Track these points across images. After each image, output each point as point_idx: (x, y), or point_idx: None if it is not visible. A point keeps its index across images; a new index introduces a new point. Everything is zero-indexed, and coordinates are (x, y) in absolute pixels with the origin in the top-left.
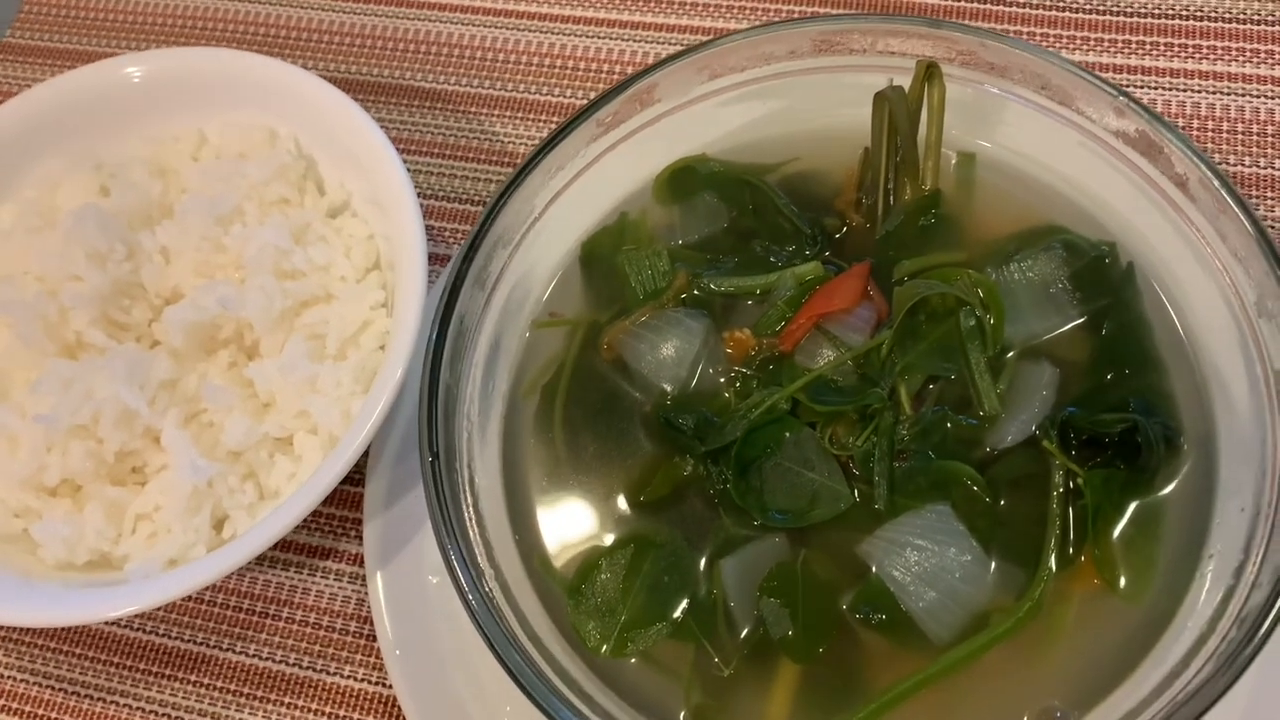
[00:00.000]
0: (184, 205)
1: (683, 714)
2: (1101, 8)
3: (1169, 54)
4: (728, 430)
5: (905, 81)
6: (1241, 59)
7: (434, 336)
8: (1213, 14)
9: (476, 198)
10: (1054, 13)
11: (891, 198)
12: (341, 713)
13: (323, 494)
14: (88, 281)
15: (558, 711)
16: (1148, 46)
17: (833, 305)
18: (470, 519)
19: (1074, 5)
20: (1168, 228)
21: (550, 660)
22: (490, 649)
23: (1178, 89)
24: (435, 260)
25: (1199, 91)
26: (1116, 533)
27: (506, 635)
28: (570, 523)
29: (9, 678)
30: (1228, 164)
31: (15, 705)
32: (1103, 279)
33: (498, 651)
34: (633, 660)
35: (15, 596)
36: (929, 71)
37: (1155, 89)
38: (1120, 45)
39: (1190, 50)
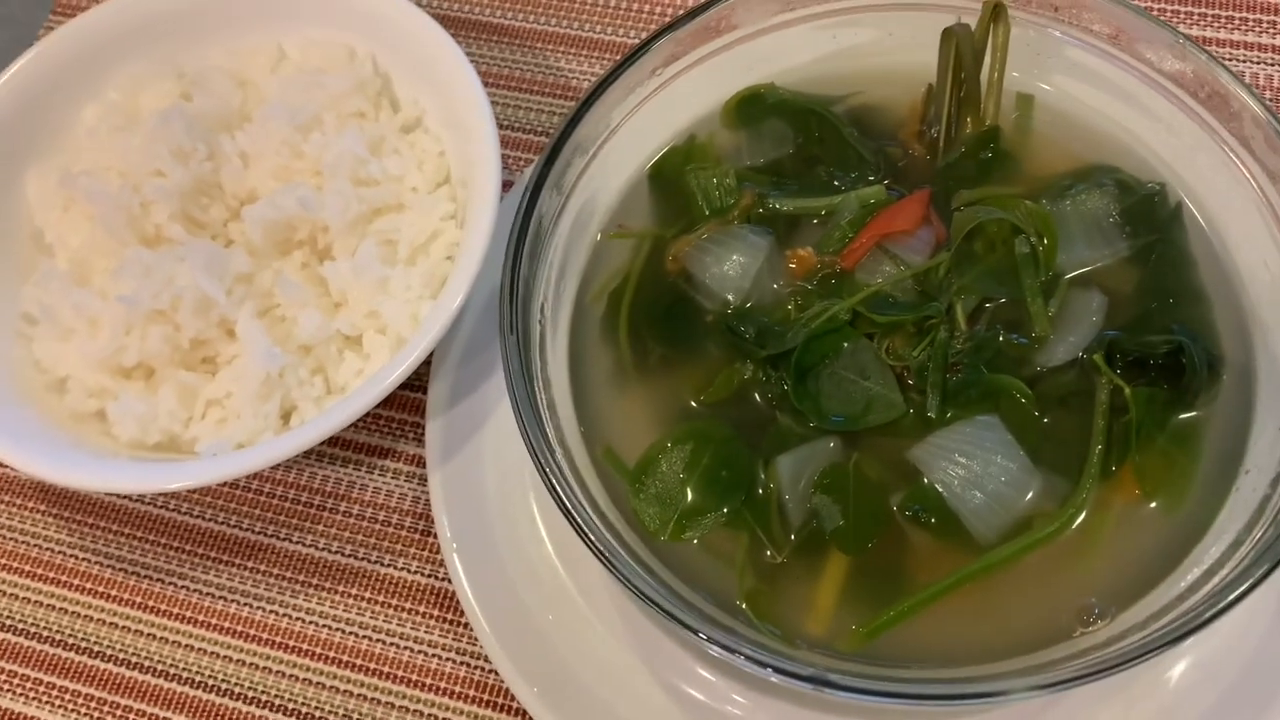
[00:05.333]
0: (264, 112)
1: (737, 597)
2: None
3: (1247, 28)
4: (789, 337)
5: (973, 22)
6: None
7: (517, 229)
8: None
9: (539, 128)
10: None
11: (953, 131)
12: (395, 602)
13: (392, 386)
14: (170, 177)
15: (629, 573)
16: (1237, 21)
17: (895, 225)
18: (542, 401)
19: None
20: (1220, 169)
21: (615, 534)
22: (563, 513)
23: (1264, 62)
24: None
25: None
26: (1157, 447)
27: (576, 504)
28: (632, 419)
29: (72, 556)
30: None
31: (76, 582)
32: (1152, 216)
33: (571, 516)
34: (693, 543)
35: (88, 467)
36: (995, 11)
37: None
38: (1204, 19)
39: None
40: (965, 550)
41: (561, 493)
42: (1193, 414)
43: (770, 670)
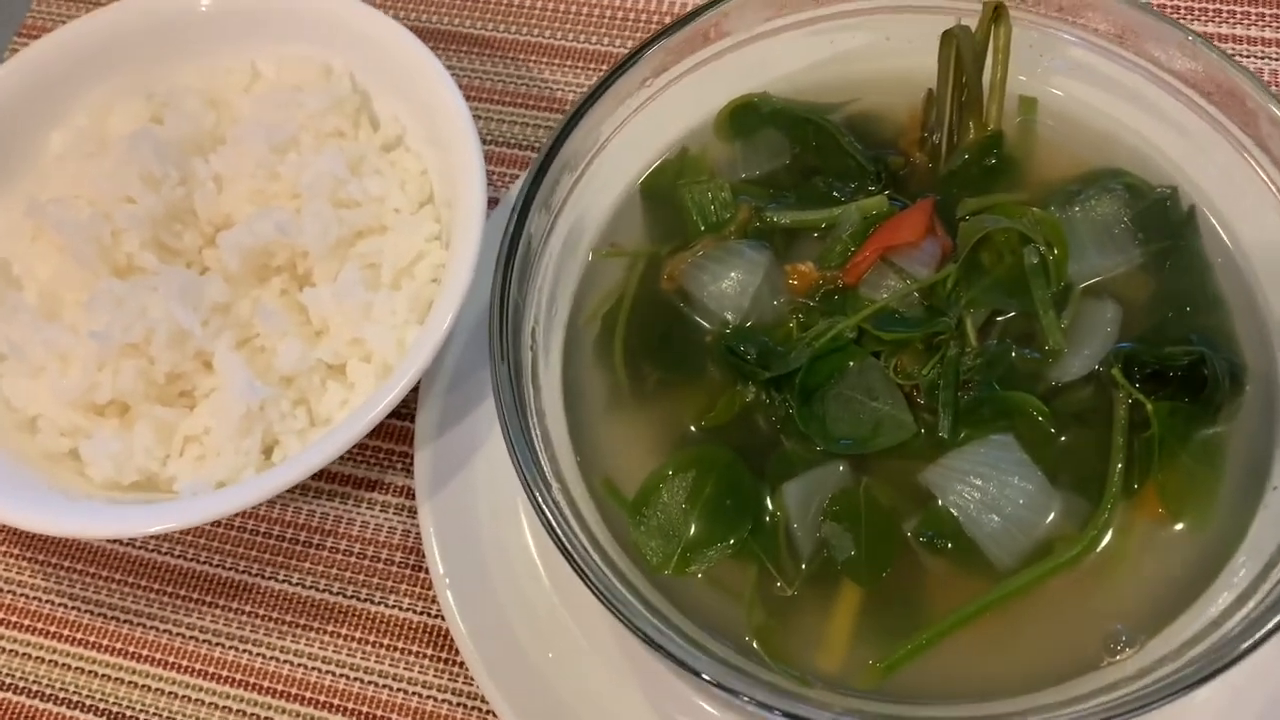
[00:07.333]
0: (238, 133)
1: (746, 633)
2: None
3: (1251, 23)
4: (792, 358)
5: (973, 24)
6: None
7: (505, 252)
8: None
9: (525, 142)
10: None
11: (955, 137)
12: (386, 641)
13: (379, 417)
14: (141, 204)
15: (632, 614)
16: (1239, 15)
17: (899, 238)
18: (536, 433)
19: None
20: (1235, 169)
21: (617, 572)
22: (561, 553)
23: (1269, 57)
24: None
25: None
26: (1181, 464)
27: (574, 541)
28: (630, 447)
29: (47, 601)
30: None
31: (52, 629)
32: (1165, 221)
33: (570, 555)
34: (697, 577)
35: (62, 511)
36: (996, 12)
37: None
38: (1206, 13)
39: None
40: (983, 577)
41: (559, 530)
42: (1216, 428)
43: (779, 714)
